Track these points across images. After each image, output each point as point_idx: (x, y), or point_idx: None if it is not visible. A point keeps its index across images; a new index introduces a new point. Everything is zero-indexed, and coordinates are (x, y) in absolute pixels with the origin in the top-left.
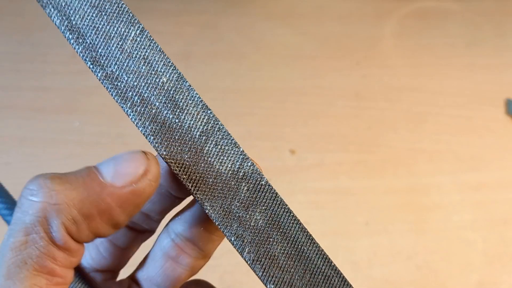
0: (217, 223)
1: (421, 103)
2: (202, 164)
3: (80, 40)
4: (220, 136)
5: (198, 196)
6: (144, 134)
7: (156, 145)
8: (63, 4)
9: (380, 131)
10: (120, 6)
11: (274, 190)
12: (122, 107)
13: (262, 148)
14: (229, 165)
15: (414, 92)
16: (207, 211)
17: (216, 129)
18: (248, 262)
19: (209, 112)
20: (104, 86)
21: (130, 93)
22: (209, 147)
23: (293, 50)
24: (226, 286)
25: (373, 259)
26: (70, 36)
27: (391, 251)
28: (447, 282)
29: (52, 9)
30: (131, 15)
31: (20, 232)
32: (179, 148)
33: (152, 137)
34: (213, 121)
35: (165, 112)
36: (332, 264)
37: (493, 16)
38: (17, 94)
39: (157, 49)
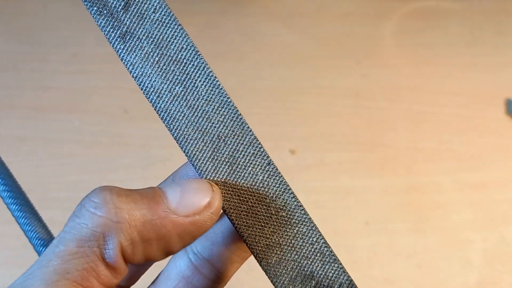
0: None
1: (421, 103)
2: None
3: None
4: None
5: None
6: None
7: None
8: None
9: (380, 131)
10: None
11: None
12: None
13: None
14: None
15: (414, 91)
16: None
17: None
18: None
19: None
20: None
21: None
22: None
23: (293, 50)
24: (226, 286)
25: (373, 258)
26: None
27: (391, 251)
28: (447, 281)
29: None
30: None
31: (72, 242)
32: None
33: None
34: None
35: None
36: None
37: (493, 15)
38: (17, 93)
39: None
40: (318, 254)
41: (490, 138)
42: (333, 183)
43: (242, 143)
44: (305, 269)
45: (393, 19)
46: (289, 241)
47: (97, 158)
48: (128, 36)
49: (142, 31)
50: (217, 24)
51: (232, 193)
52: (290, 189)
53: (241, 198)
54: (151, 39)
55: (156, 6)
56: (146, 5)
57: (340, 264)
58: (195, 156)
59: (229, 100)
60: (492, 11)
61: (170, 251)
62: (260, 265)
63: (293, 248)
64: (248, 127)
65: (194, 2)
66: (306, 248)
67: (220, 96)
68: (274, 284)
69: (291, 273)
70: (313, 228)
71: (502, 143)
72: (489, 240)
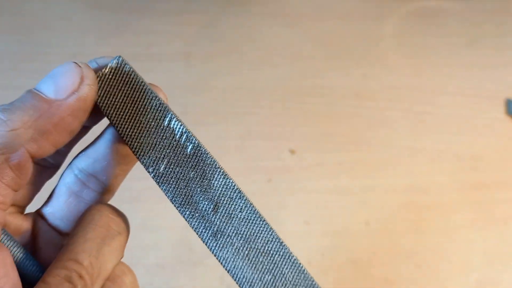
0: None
1: (421, 103)
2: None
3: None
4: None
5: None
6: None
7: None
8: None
9: (380, 131)
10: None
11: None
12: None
13: (262, 148)
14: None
15: (414, 91)
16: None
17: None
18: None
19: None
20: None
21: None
22: None
23: (293, 50)
24: (226, 286)
25: (373, 258)
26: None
27: (391, 251)
28: (447, 281)
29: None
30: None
31: None
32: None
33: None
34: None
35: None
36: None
37: (493, 15)
38: (17, 93)
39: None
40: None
41: (490, 138)
42: (333, 183)
43: None
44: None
45: (393, 19)
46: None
47: None
48: (219, 235)
49: (231, 229)
50: (217, 23)
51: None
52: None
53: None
54: (240, 235)
55: (242, 206)
56: (233, 206)
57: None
58: None
59: (314, 282)
60: (492, 11)
61: (72, 131)
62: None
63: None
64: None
65: (194, 1)
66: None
67: (306, 280)
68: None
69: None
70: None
71: (502, 143)
72: (489, 240)
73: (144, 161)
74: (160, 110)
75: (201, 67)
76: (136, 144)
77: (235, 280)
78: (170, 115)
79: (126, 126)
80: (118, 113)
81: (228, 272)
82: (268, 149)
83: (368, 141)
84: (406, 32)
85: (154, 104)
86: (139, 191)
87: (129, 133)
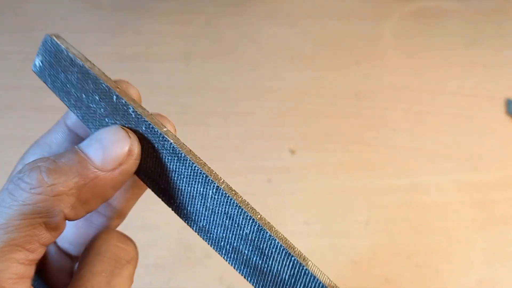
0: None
1: (421, 103)
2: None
3: (172, 201)
4: (306, 280)
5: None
6: (242, 275)
7: (255, 284)
8: (151, 172)
9: (380, 131)
10: (194, 168)
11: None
12: (220, 254)
13: (262, 148)
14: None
15: (414, 91)
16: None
17: (302, 273)
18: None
19: (292, 258)
20: (201, 237)
21: (222, 242)
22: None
23: (293, 50)
24: (226, 286)
25: (373, 258)
26: (163, 198)
27: (391, 251)
28: (447, 281)
29: (143, 176)
30: (204, 175)
31: (15, 216)
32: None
33: (249, 278)
34: (298, 266)
35: (254, 258)
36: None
37: (493, 15)
38: (17, 93)
39: (235, 205)
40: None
41: (490, 138)
42: (333, 183)
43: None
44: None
45: (393, 19)
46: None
47: None
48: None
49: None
50: (217, 23)
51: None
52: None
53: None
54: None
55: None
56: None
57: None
58: None
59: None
60: (492, 11)
61: (106, 199)
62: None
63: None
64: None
65: (194, 1)
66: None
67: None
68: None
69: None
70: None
71: (502, 143)
72: (489, 240)
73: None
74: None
75: (201, 67)
76: None
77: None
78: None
79: None
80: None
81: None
82: (268, 149)
83: (368, 141)
84: (406, 32)
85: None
86: None
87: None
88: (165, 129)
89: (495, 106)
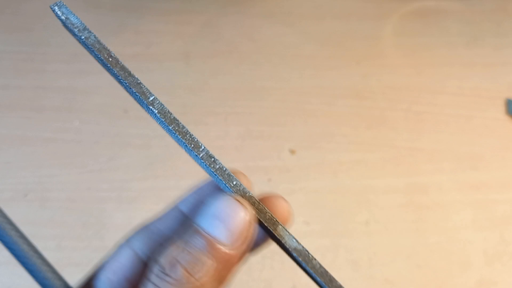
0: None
1: (421, 103)
2: None
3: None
4: None
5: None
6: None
7: None
8: None
9: (380, 131)
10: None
11: None
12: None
13: (262, 148)
14: None
15: (414, 91)
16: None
17: None
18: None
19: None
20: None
21: None
22: None
23: (293, 50)
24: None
25: (373, 258)
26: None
27: (391, 251)
28: (447, 281)
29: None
30: (185, 144)
31: None
32: None
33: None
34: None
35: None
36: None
37: (493, 15)
38: (17, 93)
39: (213, 173)
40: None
41: (490, 138)
42: (333, 183)
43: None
44: None
45: (393, 19)
46: None
47: (97, 158)
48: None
49: None
50: (216, 23)
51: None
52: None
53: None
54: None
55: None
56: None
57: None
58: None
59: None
60: (492, 11)
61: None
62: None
63: None
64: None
65: (194, 1)
66: None
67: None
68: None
69: None
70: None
71: (502, 143)
72: (489, 240)
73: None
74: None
75: (201, 67)
76: None
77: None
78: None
79: None
80: None
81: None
82: (268, 149)
83: (368, 141)
84: (406, 32)
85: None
86: (139, 191)
87: None
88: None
89: (495, 106)
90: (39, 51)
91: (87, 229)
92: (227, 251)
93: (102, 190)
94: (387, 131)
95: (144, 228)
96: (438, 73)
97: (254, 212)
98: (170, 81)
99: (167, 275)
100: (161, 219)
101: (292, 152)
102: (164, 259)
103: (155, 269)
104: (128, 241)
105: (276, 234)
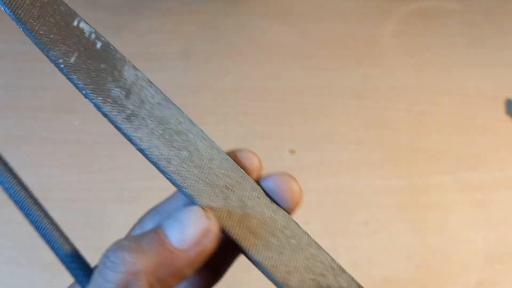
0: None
1: (421, 102)
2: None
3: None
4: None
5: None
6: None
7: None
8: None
9: (380, 131)
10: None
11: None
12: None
13: (262, 148)
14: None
15: (414, 91)
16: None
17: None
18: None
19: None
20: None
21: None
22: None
23: (293, 50)
24: (226, 286)
25: (373, 258)
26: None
27: (391, 251)
28: (447, 281)
29: None
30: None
31: None
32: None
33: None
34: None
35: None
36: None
37: (493, 15)
38: (17, 93)
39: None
40: (329, 269)
41: (490, 138)
42: (333, 183)
43: (246, 189)
44: (322, 284)
45: (394, 19)
46: (303, 263)
47: (97, 158)
48: (133, 118)
49: (144, 112)
50: (216, 23)
51: (248, 232)
52: (293, 220)
53: (256, 235)
54: (153, 118)
55: (153, 92)
56: (144, 93)
57: (348, 274)
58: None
59: (227, 156)
60: (492, 11)
61: (184, 278)
62: None
63: (308, 269)
64: (247, 175)
65: (194, 1)
66: (318, 266)
67: (220, 154)
68: None
69: None
70: (320, 248)
71: (502, 143)
72: (489, 240)
73: (55, 53)
74: (69, 14)
75: (201, 67)
76: (45, 39)
77: (151, 158)
78: (78, 18)
79: (34, 24)
80: (27, 13)
81: (143, 151)
82: (268, 149)
83: (368, 141)
84: (406, 32)
85: (62, 9)
86: (139, 191)
87: (37, 29)
88: None
89: (495, 106)
90: (39, 51)
91: (87, 229)
92: (172, 249)
93: (102, 190)
94: (387, 131)
95: (154, 209)
96: (438, 73)
97: (216, 223)
98: (170, 81)
99: (107, 258)
100: (169, 201)
101: (292, 152)
102: (114, 244)
103: (105, 252)
104: (140, 221)
105: (243, 247)
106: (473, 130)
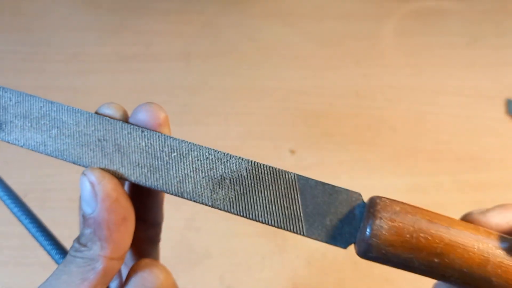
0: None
1: (421, 103)
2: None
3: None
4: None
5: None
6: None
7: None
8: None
9: (380, 131)
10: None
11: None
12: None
13: (262, 148)
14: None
15: (414, 91)
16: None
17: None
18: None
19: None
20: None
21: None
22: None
23: (293, 50)
24: (226, 286)
25: None
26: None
27: None
28: None
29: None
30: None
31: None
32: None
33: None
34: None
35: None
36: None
37: (493, 15)
38: None
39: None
40: (216, 161)
41: (490, 138)
42: (333, 183)
43: (117, 131)
44: (215, 176)
45: (393, 19)
46: (191, 167)
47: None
48: (4, 125)
49: (10, 116)
50: (216, 23)
51: (133, 166)
52: (168, 136)
53: (141, 166)
54: (19, 116)
55: (10, 95)
56: (3, 100)
57: (237, 156)
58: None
59: (91, 113)
60: (492, 11)
61: (122, 224)
62: (182, 197)
63: (197, 170)
64: (112, 119)
65: (194, 1)
66: (205, 163)
67: (83, 115)
68: (202, 203)
69: (208, 186)
70: (200, 147)
71: (502, 143)
72: None
73: None
74: None
75: (201, 67)
76: None
77: (31, 149)
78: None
79: None
80: None
81: (23, 146)
82: (268, 149)
83: (368, 141)
84: (406, 32)
85: None
86: None
87: None
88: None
89: (495, 106)
90: (39, 51)
91: None
92: (87, 215)
93: None
94: (387, 131)
95: None
96: (438, 73)
97: (100, 172)
98: (170, 81)
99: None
100: None
101: (292, 152)
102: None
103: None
104: None
105: (133, 180)
106: (473, 130)
